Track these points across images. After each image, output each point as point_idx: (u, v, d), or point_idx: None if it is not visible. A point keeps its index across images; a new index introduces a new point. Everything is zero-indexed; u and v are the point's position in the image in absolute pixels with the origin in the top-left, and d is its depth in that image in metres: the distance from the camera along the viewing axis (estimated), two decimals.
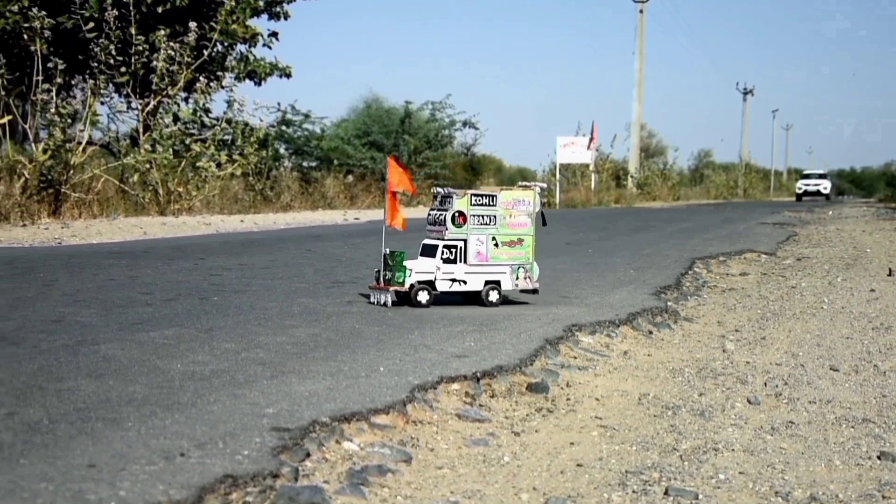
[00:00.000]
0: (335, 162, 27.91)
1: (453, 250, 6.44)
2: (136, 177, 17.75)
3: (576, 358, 5.36)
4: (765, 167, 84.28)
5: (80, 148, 16.25)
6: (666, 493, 3.24)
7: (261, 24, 22.43)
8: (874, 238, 16.80)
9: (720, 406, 4.54)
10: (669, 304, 7.39)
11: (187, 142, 18.92)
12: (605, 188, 38.11)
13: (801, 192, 59.95)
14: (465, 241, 6.46)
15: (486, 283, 6.56)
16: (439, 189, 6.68)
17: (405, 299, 6.45)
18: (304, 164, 28.45)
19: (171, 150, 18.25)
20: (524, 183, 6.84)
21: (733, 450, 3.81)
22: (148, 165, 17.79)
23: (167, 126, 18.59)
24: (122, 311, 5.88)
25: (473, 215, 6.47)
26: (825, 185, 59.68)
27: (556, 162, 33.79)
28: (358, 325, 5.66)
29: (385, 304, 6.40)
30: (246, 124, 20.79)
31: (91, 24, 17.83)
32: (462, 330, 5.60)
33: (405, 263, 6.38)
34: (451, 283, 6.47)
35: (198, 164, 18.84)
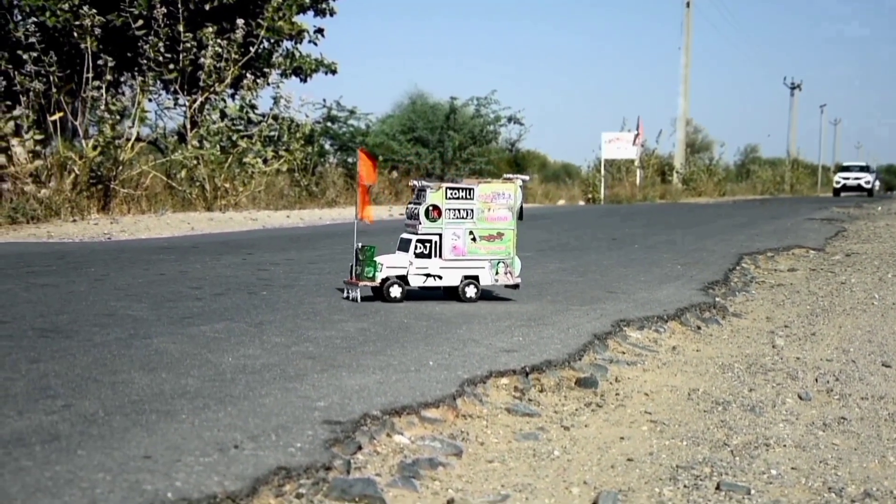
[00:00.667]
0: (380, 158, 27.96)
1: (427, 245, 6.32)
2: (183, 173, 17.91)
3: (624, 353, 5.35)
4: (812, 162, 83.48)
5: (129, 144, 16.42)
6: (718, 487, 3.23)
7: (307, 20, 22.59)
8: None
9: (771, 401, 4.52)
10: (717, 299, 7.35)
11: (234, 138, 19.07)
12: (651, 184, 37.87)
13: (839, 186, 53.75)
14: (440, 235, 6.34)
15: (464, 277, 6.42)
16: (415, 182, 6.58)
17: (380, 294, 6.36)
18: (350, 159, 28.55)
19: (217, 146, 18.40)
20: (508, 175, 6.70)
21: (785, 445, 3.79)
22: (195, 161, 17.94)
23: (214, 122, 18.73)
24: (173, 306, 5.94)
25: (449, 209, 6.33)
26: (867, 179, 53.51)
27: (601, 157, 33.64)
28: (406, 319, 5.69)
29: (355, 300, 6.30)
30: (292, 120, 20.90)
31: (140, 22, 18.01)
32: (510, 325, 5.61)
33: (376, 258, 6.29)
34: (425, 277, 6.35)
35: (244, 160, 18.98)
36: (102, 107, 16.06)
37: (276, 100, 20.78)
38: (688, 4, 46.34)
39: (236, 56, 19.05)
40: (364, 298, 6.35)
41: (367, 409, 3.58)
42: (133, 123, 16.94)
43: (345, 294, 6.46)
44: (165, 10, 17.93)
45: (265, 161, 19.61)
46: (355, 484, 2.97)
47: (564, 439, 3.80)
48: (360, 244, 6.31)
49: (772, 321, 6.91)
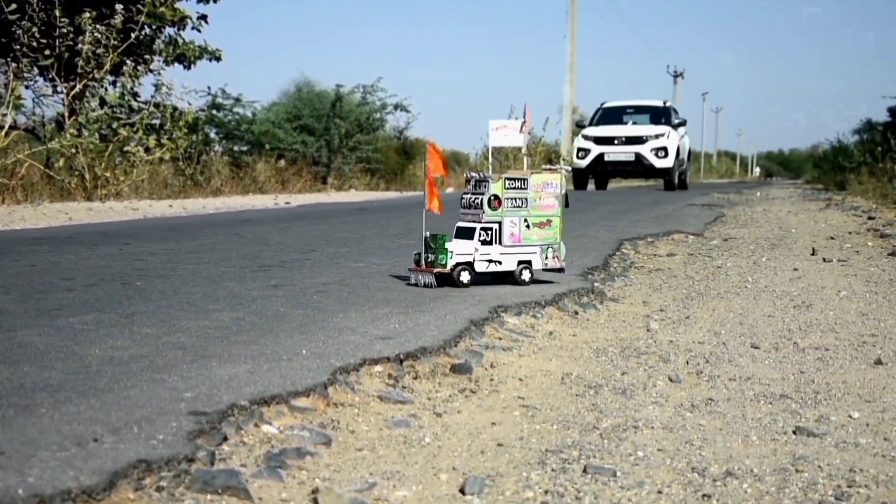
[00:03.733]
0: (266, 146, 27.72)
1: (489, 232, 6.69)
2: (61, 162, 17.47)
3: (501, 339, 5.37)
4: (695, 150, 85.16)
5: (3, 132, 15.96)
6: (584, 470, 3.26)
7: (189, 6, 22.18)
8: (799, 218, 17.06)
9: (642, 384, 4.58)
10: (596, 284, 7.44)
11: (115, 126, 18.66)
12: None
13: (587, 163, 27.14)
14: (499, 223, 6.71)
15: (519, 262, 6.81)
16: (473, 174, 6.96)
17: (444, 280, 6.63)
18: (235, 148, 28.23)
19: (97, 134, 17.98)
20: (549, 167, 7.14)
21: (653, 427, 3.85)
22: (74, 150, 17.50)
23: (94, 110, 18.32)
24: (42, 297, 5.78)
25: (507, 198, 6.72)
26: (658, 145, 25.91)
27: (488, 145, 33.74)
28: (283, 308, 5.63)
29: (428, 286, 6.61)
30: (175, 108, 20.55)
31: (13, 6, 17.48)
32: (388, 312, 5.59)
33: (446, 245, 6.58)
34: (488, 263, 6.72)
35: (126, 148, 18.59)
36: None
37: (157, 87, 20.41)
38: None
39: (116, 42, 18.61)
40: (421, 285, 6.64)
41: (236, 399, 3.53)
42: (7, 111, 16.47)
43: (412, 281, 6.75)
44: None
45: (147, 150, 19.23)
46: (219, 475, 2.92)
47: (436, 426, 3.79)
48: (428, 233, 6.62)
49: (648, 305, 7.02)
